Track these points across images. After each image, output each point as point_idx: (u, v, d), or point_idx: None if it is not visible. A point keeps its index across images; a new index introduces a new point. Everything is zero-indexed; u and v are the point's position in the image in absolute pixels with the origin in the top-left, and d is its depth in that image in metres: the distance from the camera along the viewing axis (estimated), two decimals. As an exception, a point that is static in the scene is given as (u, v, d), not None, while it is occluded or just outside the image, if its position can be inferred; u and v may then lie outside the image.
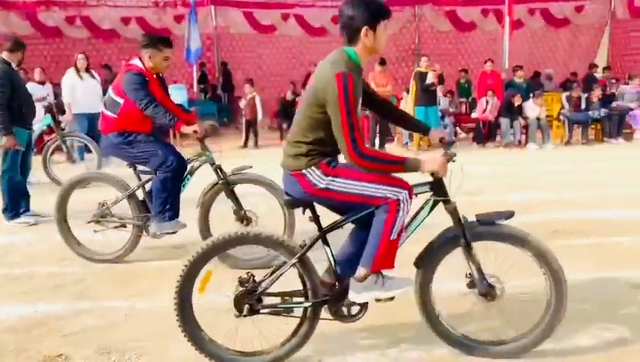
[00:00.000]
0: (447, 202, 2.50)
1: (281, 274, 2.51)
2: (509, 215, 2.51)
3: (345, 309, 2.60)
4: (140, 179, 4.01)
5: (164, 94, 4.10)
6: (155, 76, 3.95)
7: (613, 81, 12.06)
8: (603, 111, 9.95)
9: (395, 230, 2.39)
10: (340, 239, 2.73)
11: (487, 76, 10.36)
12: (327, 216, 2.58)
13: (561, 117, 10.12)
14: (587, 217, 5.11)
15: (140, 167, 4.00)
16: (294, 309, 2.57)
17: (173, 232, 3.93)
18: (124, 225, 4.05)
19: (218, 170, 3.93)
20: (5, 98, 4.84)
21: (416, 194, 2.48)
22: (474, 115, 10.21)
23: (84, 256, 4.07)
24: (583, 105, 10.05)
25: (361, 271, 2.49)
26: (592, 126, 10.33)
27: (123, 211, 4.10)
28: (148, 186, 4.02)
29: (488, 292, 2.54)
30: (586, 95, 10.17)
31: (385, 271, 2.51)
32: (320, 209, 2.55)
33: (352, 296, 2.52)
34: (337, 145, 2.38)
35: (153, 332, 2.92)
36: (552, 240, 4.31)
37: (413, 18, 14.93)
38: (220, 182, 3.92)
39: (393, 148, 9.84)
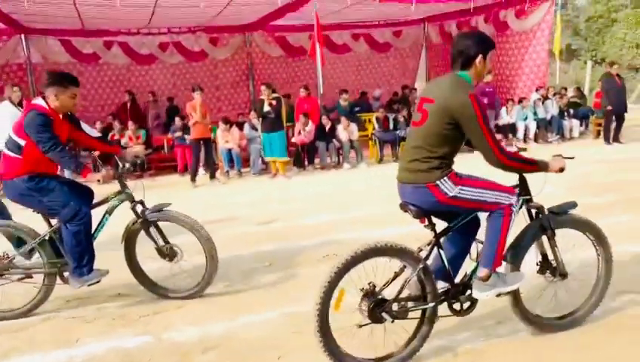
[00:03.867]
0: (530, 200, 2.98)
1: (406, 282, 2.79)
2: (574, 205, 3.07)
3: (459, 305, 2.94)
4: (50, 224, 3.84)
5: (79, 132, 4.02)
6: (61, 116, 3.78)
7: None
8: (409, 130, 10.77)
9: (510, 231, 2.82)
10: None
11: (304, 101, 10.75)
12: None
13: (374, 136, 10.79)
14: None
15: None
16: (416, 311, 2.84)
17: (97, 281, 3.85)
18: (30, 276, 3.86)
19: (136, 208, 3.90)
20: None
21: None
22: (293, 140, 10.50)
23: None
24: (392, 125, 10.80)
25: (483, 271, 2.86)
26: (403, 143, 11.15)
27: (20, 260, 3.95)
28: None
29: (564, 274, 3.07)
30: (393, 115, 10.95)
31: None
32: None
33: (478, 294, 2.88)
34: (454, 157, 2.80)
35: None
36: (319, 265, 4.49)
37: (244, 44, 15.09)
38: (139, 221, 3.90)
39: (221, 176, 9.74)
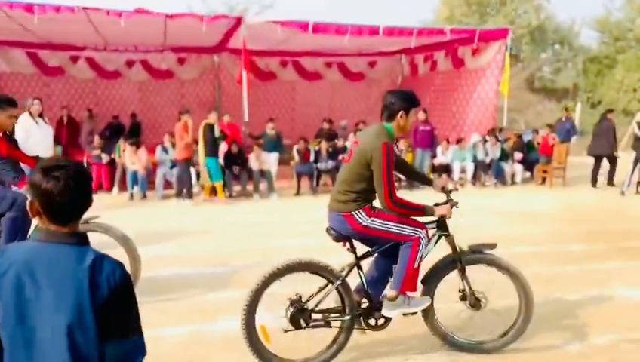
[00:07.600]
0: (447, 236, 3.36)
1: (327, 294, 3.21)
2: (493, 246, 3.41)
3: (374, 321, 3.33)
4: None
5: (14, 149, 4.39)
6: (1, 134, 4.23)
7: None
8: (330, 164, 10.52)
9: (417, 260, 3.18)
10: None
11: (225, 128, 10.67)
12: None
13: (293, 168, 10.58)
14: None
15: None
16: (335, 322, 3.25)
17: None
18: None
19: None
20: None
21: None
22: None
23: None
24: (312, 158, 10.56)
25: (392, 292, 3.23)
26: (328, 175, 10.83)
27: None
28: None
29: (476, 304, 3.41)
30: (317, 148, 10.72)
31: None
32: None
33: (386, 312, 3.26)
34: (375, 194, 3.15)
35: None
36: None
37: (212, 65, 15.23)
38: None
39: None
